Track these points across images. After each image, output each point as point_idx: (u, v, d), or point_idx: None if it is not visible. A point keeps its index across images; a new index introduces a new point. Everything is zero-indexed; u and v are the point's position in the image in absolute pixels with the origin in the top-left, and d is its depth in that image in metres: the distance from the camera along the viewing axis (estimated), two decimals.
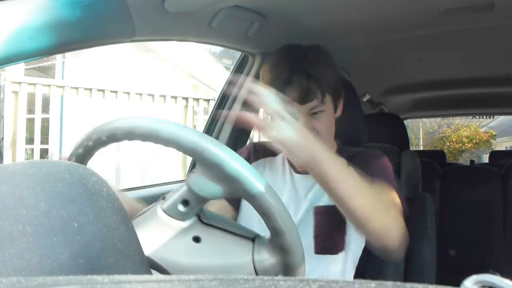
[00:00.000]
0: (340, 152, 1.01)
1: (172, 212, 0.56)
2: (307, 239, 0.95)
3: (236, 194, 0.53)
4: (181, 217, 0.56)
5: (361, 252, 1.01)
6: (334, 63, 0.99)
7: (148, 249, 0.54)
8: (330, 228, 0.96)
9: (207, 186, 0.54)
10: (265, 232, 0.58)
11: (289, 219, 0.53)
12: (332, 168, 0.70)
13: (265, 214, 0.52)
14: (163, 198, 0.58)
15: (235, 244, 0.57)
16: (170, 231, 0.55)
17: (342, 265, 0.97)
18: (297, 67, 0.92)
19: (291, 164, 1.06)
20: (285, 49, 0.98)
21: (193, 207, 0.56)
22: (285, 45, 0.99)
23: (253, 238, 0.58)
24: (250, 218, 0.94)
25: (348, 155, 0.99)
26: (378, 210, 0.76)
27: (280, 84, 0.91)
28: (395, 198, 0.89)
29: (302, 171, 1.03)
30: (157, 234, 0.55)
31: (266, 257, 0.55)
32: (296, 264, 0.54)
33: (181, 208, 0.55)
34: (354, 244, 0.98)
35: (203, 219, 0.57)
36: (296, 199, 1.00)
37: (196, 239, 0.55)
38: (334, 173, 0.70)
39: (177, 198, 0.56)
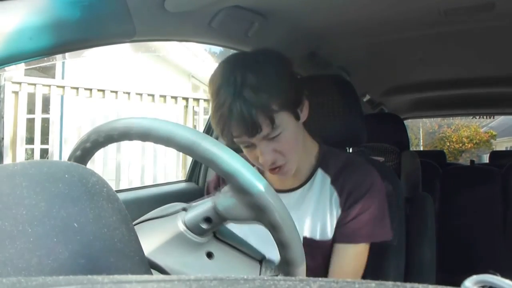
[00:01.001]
0: (323, 160, 0.97)
1: (192, 227, 0.56)
2: None
3: (261, 221, 0.53)
4: (200, 233, 0.56)
5: None
6: (281, 70, 0.85)
7: (161, 257, 0.54)
8: (320, 261, 0.94)
9: (235, 209, 0.54)
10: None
11: (287, 216, 0.53)
12: None
13: (263, 211, 0.52)
14: (185, 209, 0.58)
15: (244, 264, 0.57)
16: (187, 244, 0.56)
17: None
18: (235, 99, 0.78)
19: (272, 183, 0.98)
20: (225, 67, 0.86)
21: (214, 226, 0.56)
22: (228, 58, 0.88)
23: (261, 260, 0.58)
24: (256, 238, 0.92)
25: (336, 165, 0.95)
26: None
27: (218, 124, 0.81)
28: (358, 262, 0.91)
29: (280, 189, 0.95)
30: (174, 245, 0.55)
31: None
32: (296, 261, 0.54)
33: (203, 225, 0.55)
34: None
35: (218, 234, 0.58)
36: None
37: (209, 255, 0.56)
38: None
39: (200, 214, 0.56)
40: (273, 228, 0.53)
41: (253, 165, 0.87)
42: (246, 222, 0.54)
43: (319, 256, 0.93)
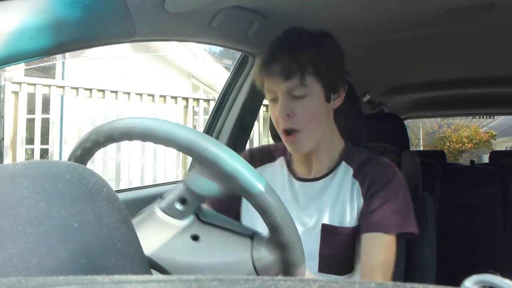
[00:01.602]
0: (347, 156, 0.99)
1: (169, 211, 0.56)
2: (310, 255, 0.90)
3: (234, 192, 0.53)
4: (179, 215, 0.56)
5: None
6: (334, 51, 0.95)
7: (147, 248, 0.54)
8: (338, 249, 0.93)
9: (205, 184, 0.54)
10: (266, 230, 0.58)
11: (288, 217, 0.53)
12: None
13: (264, 212, 0.52)
14: (161, 197, 0.58)
15: (234, 242, 0.57)
16: (169, 230, 0.55)
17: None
18: (283, 44, 0.92)
19: (291, 170, 1.01)
20: (284, 32, 0.97)
21: (191, 205, 0.56)
22: (289, 28, 0.97)
23: (252, 235, 0.58)
24: (252, 217, 0.91)
25: (359, 159, 0.97)
26: None
27: (265, 59, 0.92)
28: (386, 253, 0.89)
29: (304, 178, 0.99)
30: (155, 233, 0.55)
31: (265, 254, 0.55)
32: (296, 262, 0.54)
33: (178, 206, 0.55)
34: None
35: (202, 217, 0.57)
36: (297, 208, 0.95)
37: (195, 238, 0.55)
38: None
39: (174, 196, 0.56)
40: (274, 229, 0.53)
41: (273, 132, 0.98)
42: (220, 194, 0.54)
43: (337, 244, 0.93)
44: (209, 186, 0.54)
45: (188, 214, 0.56)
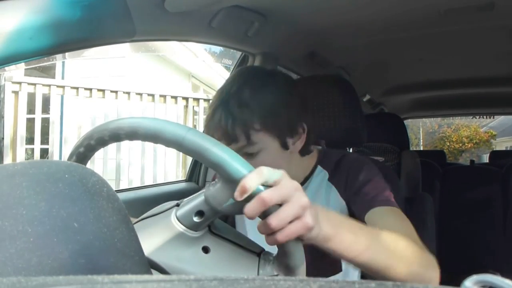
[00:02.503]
0: (322, 160, 0.97)
1: (185, 221, 0.56)
2: None
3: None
4: (194, 227, 0.56)
5: None
6: (284, 93, 0.86)
7: (157, 254, 0.54)
8: (319, 252, 0.92)
9: (225, 200, 0.54)
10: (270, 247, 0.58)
11: None
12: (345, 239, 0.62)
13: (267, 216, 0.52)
14: (178, 205, 0.58)
15: (242, 258, 0.57)
16: (181, 239, 0.55)
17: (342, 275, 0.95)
18: (221, 103, 0.83)
19: None
20: (233, 76, 0.89)
21: (207, 219, 0.56)
22: (241, 69, 0.92)
23: (259, 253, 0.58)
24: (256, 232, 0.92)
25: (333, 161, 0.96)
26: (396, 256, 0.67)
27: (205, 122, 0.86)
28: (404, 221, 0.81)
29: None
30: (168, 240, 0.55)
31: (271, 273, 0.56)
32: (296, 263, 0.54)
33: (195, 218, 0.55)
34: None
35: (213, 229, 0.58)
36: None
37: (205, 250, 0.56)
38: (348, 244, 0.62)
39: (192, 208, 0.56)
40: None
41: None
42: (239, 212, 0.54)
43: (315, 248, 0.92)
44: (229, 203, 0.53)
45: (203, 227, 0.56)
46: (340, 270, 0.94)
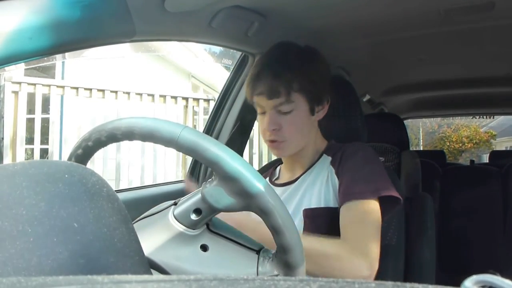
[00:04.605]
0: (328, 150, 1.05)
1: (183, 220, 0.56)
2: None
3: (250, 209, 0.53)
4: (192, 225, 0.56)
5: None
6: (320, 66, 1.01)
7: (155, 253, 0.54)
8: (321, 231, 0.94)
9: (223, 198, 0.54)
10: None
11: (289, 218, 0.53)
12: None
13: (264, 213, 0.52)
14: (175, 204, 0.58)
15: (241, 255, 0.57)
16: (179, 238, 0.55)
17: None
18: (268, 64, 0.98)
19: (275, 178, 1.10)
20: (271, 48, 1.03)
21: (205, 217, 0.56)
22: (277, 43, 1.04)
23: (258, 250, 0.58)
24: None
25: (336, 150, 1.03)
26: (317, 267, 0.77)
27: (251, 79, 0.98)
28: (363, 219, 0.89)
29: (283, 183, 1.05)
30: (166, 239, 0.55)
31: (270, 271, 0.56)
32: (296, 263, 0.54)
33: (193, 216, 0.55)
34: None
35: (211, 227, 0.57)
36: None
37: (204, 248, 0.56)
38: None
39: (190, 206, 0.56)
40: (275, 231, 0.53)
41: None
42: (236, 210, 0.54)
43: (319, 226, 0.94)
44: (226, 201, 0.54)
45: (201, 225, 0.56)
46: None
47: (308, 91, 0.97)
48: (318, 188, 0.99)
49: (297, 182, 1.03)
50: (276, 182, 1.09)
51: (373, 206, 0.90)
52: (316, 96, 0.99)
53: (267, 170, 1.17)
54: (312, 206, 0.97)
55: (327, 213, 0.95)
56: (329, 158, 1.03)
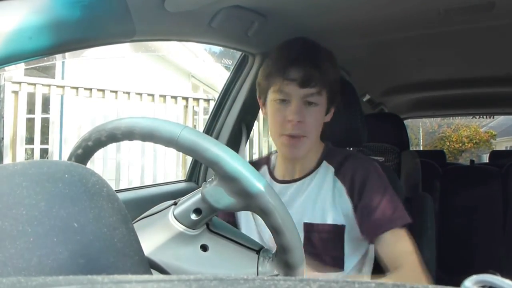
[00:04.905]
0: (328, 155, 1.01)
1: (183, 220, 0.56)
2: None
3: (250, 209, 0.53)
4: (192, 225, 0.56)
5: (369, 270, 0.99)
6: (338, 68, 1.01)
7: (155, 253, 0.54)
8: (321, 247, 0.94)
9: (223, 198, 0.54)
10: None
11: (289, 218, 0.53)
12: None
13: (265, 213, 0.52)
14: (175, 204, 0.58)
15: (241, 255, 0.57)
16: (180, 238, 0.55)
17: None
18: (306, 52, 0.94)
19: (272, 176, 1.05)
20: (296, 39, 1.00)
21: (205, 216, 0.56)
22: (297, 38, 1.01)
23: (258, 250, 0.58)
24: (250, 233, 0.95)
25: (339, 158, 1.00)
26: None
27: (286, 62, 0.93)
28: (408, 244, 0.89)
29: (285, 180, 1.02)
30: (166, 239, 0.55)
31: (270, 271, 0.56)
32: (296, 263, 0.54)
33: (193, 216, 0.55)
34: (356, 263, 0.97)
35: (211, 227, 0.57)
36: None
37: (204, 248, 0.56)
38: None
39: (190, 206, 0.56)
40: (275, 231, 0.53)
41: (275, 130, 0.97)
42: (236, 210, 0.54)
43: (319, 242, 0.94)
44: (226, 200, 0.54)
45: (201, 225, 0.56)
46: (342, 269, 0.95)
47: (331, 89, 0.96)
48: (322, 203, 0.96)
49: (299, 183, 1.00)
50: (275, 175, 1.05)
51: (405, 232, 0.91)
52: (333, 97, 0.98)
53: (261, 164, 1.10)
54: (317, 222, 0.95)
55: (328, 230, 0.94)
56: (332, 168, 0.99)
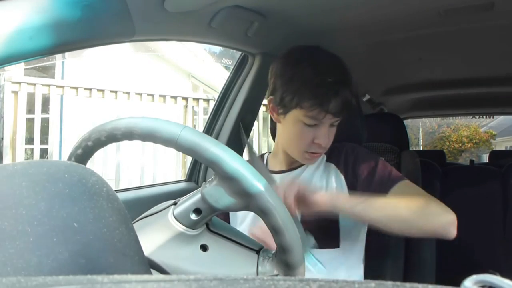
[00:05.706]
0: (332, 149, 1.05)
1: (183, 220, 0.56)
2: None
3: (250, 209, 0.53)
4: (191, 225, 0.56)
5: (363, 248, 1.01)
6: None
7: (155, 253, 0.54)
8: (319, 223, 0.96)
9: (223, 198, 0.54)
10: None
11: (288, 218, 0.53)
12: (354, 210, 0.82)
13: (264, 213, 0.52)
14: (175, 204, 0.58)
15: (240, 255, 0.57)
16: (179, 238, 0.55)
17: (345, 261, 0.97)
18: (343, 81, 0.92)
19: (274, 164, 1.09)
20: (325, 52, 0.97)
21: (205, 216, 0.56)
22: (317, 50, 0.97)
23: (258, 250, 0.58)
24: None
25: (330, 148, 1.02)
26: (414, 216, 0.87)
27: (324, 93, 0.90)
28: (415, 188, 0.95)
29: (281, 170, 1.06)
30: (166, 239, 0.55)
31: (270, 271, 0.56)
32: (296, 263, 0.54)
33: (193, 216, 0.55)
34: (351, 241, 0.98)
35: (211, 227, 0.58)
36: None
37: (204, 248, 0.56)
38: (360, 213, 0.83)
39: (189, 206, 0.56)
40: (275, 231, 0.53)
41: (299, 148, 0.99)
42: (235, 210, 0.54)
43: (313, 220, 0.95)
44: (226, 200, 0.54)
45: (201, 225, 0.56)
46: (338, 246, 0.98)
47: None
48: (317, 182, 1.01)
49: (295, 171, 1.05)
50: (269, 168, 1.10)
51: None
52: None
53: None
54: None
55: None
56: (323, 156, 1.04)
